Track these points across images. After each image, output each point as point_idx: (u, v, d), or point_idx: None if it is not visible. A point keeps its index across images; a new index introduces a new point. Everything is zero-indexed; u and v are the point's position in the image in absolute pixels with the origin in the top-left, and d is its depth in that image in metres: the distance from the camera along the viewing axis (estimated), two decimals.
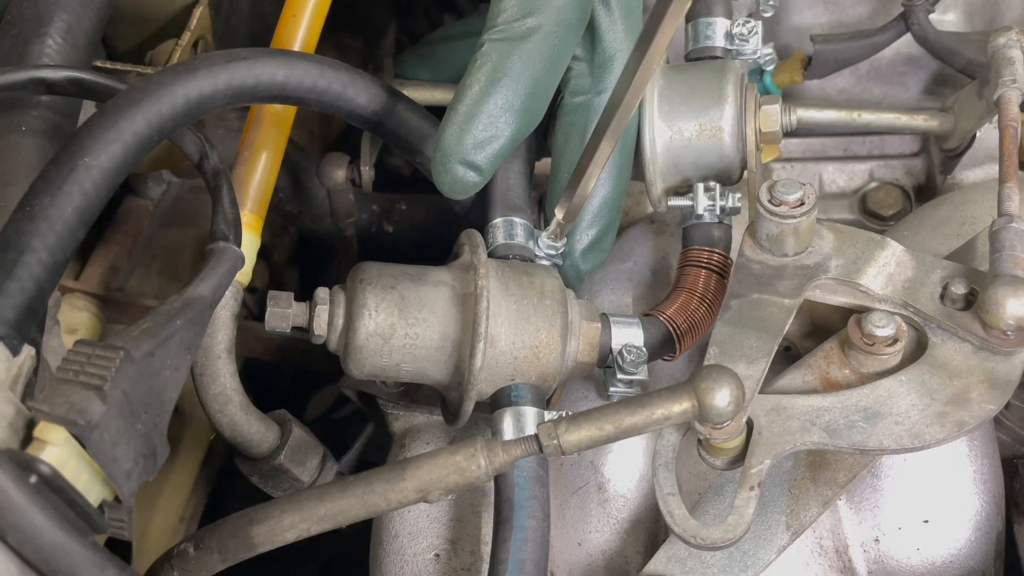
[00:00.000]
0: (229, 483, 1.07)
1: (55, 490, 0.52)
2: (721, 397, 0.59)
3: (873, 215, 0.99)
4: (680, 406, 0.60)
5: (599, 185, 0.76)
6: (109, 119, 0.61)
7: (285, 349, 1.01)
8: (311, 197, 1.02)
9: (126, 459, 0.55)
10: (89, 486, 0.54)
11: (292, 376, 1.18)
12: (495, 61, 0.68)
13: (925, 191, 1.00)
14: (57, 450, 0.52)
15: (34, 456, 0.51)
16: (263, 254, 1.09)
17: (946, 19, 0.97)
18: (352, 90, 0.71)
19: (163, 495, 1.01)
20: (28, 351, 0.58)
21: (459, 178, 0.70)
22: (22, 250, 0.58)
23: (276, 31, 0.82)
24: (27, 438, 0.53)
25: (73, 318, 0.93)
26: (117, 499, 0.56)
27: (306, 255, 1.18)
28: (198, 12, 0.86)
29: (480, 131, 0.68)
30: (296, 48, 0.81)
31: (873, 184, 1.01)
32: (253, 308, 1.07)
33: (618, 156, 0.76)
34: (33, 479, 0.51)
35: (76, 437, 0.52)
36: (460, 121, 0.68)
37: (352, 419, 1.17)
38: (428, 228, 1.04)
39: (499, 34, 0.69)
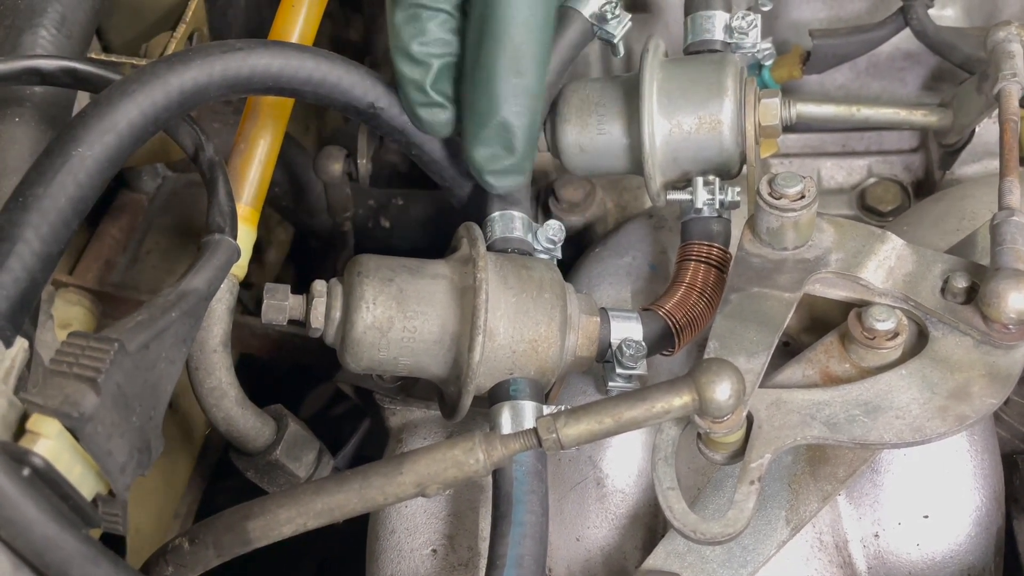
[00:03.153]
0: (222, 481, 1.07)
1: (48, 483, 0.51)
2: (722, 390, 0.59)
3: (871, 211, 0.99)
4: (680, 399, 0.59)
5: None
6: (103, 109, 0.60)
7: (280, 345, 1.01)
8: (307, 191, 1.02)
9: (120, 452, 0.55)
10: (83, 479, 0.53)
11: (288, 373, 1.18)
12: None
13: (924, 187, 0.99)
14: (50, 443, 0.51)
15: (27, 449, 0.50)
16: (259, 250, 1.09)
17: (945, 14, 0.97)
18: (347, 82, 0.71)
19: (157, 491, 1.00)
20: (21, 343, 0.58)
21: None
22: (15, 240, 0.57)
23: (274, 22, 0.81)
24: (20, 431, 0.52)
25: (67, 312, 0.93)
26: (111, 493, 0.55)
27: (303, 251, 1.17)
28: (193, 4, 0.86)
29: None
30: (293, 40, 0.80)
31: (872, 180, 1.01)
32: (249, 304, 1.06)
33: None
34: (26, 472, 0.50)
35: (70, 430, 0.52)
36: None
37: (348, 416, 1.17)
38: (425, 223, 1.04)
39: None
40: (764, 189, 0.70)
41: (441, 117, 0.73)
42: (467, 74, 0.72)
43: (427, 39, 0.71)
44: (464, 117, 0.73)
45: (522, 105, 0.71)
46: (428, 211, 1.03)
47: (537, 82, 0.71)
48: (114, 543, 0.87)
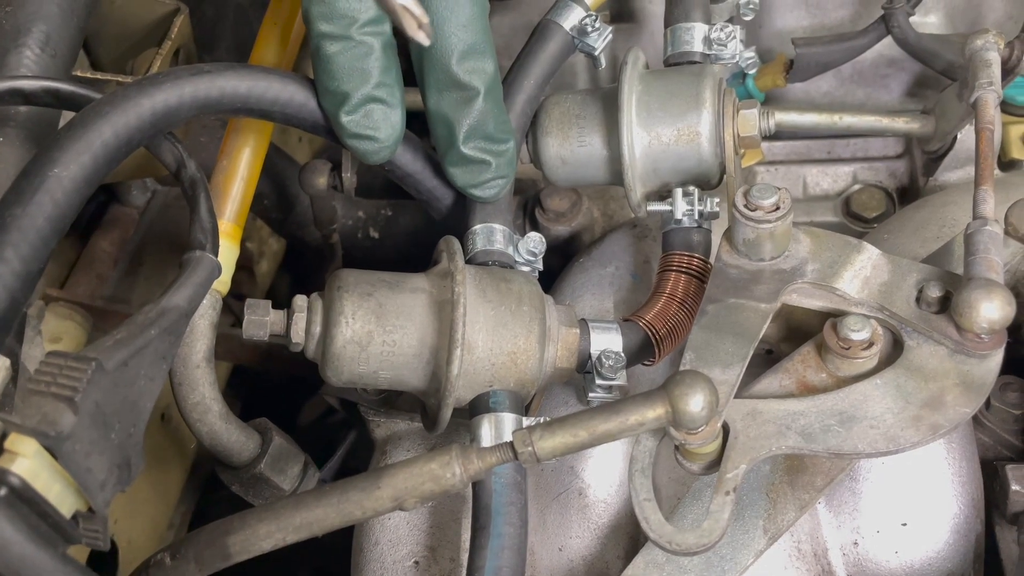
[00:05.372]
0: (217, 491, 1.07)
1: (26, 502, 0.52)
2: (695, 403, 0.59)
3: (856, 217, 1.00)
4: (654, 412, 0.60)
5: None
6: (77, 131, 0.61)
7: (270, 355, 1.01)
8: (295, 204, 1.03)
9: (99, 470, 0.55)
10: (62, 497, 0.54)
11: (284, 383, 1.19)
12: None
13: (908, 193, 1.00)
14: (28, 462, 0.52)
15: (4, 468, 0.51)
16: (251, 261, 1.10)
17: (928, 21, 0.98)
18: (313, 103, 0.71)
19: (150, 503, 1.01)
20: (3, 362, 0.59)
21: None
22: None
23: (257, 38, 0.82)
24: None
25: (57, 327, 0.94)
26: (91, 510, 0.56)
27: (298, 261, 1.18)
28: (179, 21, 0.87)
29: None
30: (275, 54, 0.81)
31: (856, 186, 1.01)
32: (241, 316, 1.07)
33: None
34: (3, 491, 0.51)
35: (47, 448, 0.52)
36: None
37: (344, 425, 1.18)
38: (413, 233, 1.04)
39: None
40: (739, 201, 0.70)
41: (367, 147, 0.72)
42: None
43: (336, 71, 0.69)
44: (432, 139, 0.74)
45: (477, 127, 0.72)
46: (416, 221, 1.04)
47: (486, 94, 0.72)
48: (106, 555, 0.88)
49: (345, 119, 0.70)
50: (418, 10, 0.60)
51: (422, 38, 0.61)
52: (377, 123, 0.71)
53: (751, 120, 0.79)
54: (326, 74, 0.69)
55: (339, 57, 0.69)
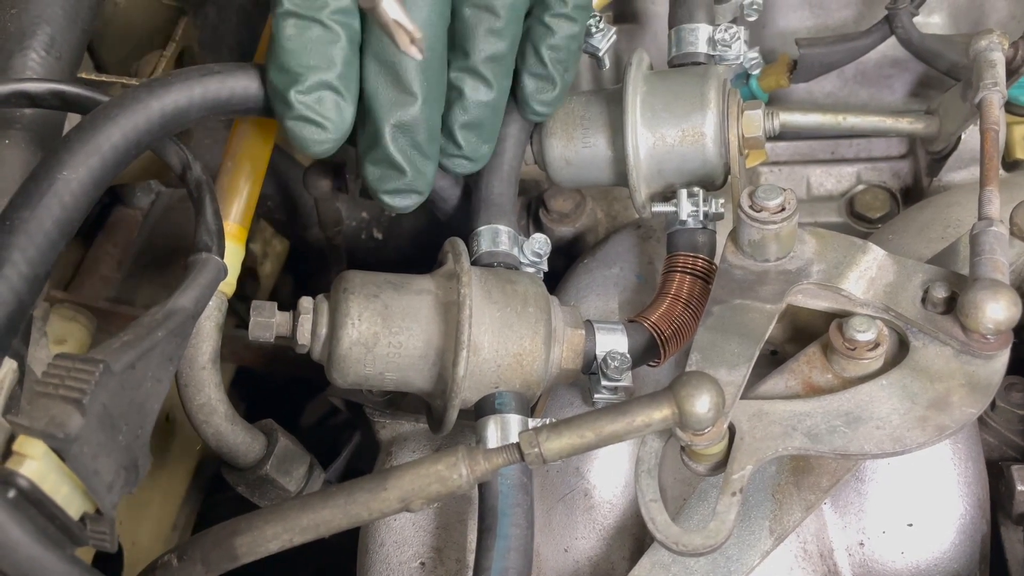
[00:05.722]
0: (223, 492, 1.08)
1: (34, 504, 0.52)
2: (701, 404, 0.59)
3: (860, 218, 0.99)
4: (660, 413, 0.60)
5: None
6: (86, 133, 0.61)
7: (275, 356, 1.02)
8: (299, 206, 1.03)
9: (107, 472, 0.55)
10: (69, 499, 0.54)
11: (288, 383, 1.19)
12: None
13: (912, 193, 1.00)
14: (36, 464, 0.52)
15: (12, 470, 0.51)
16: (255, 262, 1.10)
17: (931, 21, 0.97)
18: None
19: (155, 504, 1.01)
20: (10, 364, 0.59)
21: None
22: (2, 263, 0.58)
23: (263, 38, 0.82)
24: (7, 452, 0.53)
25: (62, 329, 0.94)
26: (99, 511, 0.56)
27: (302, 261, 1.18)
28: (183, 23, 0.87)
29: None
30: None
31: (860, 187, 1.01)
32: (245, 317, 1.07)
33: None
34: (11, 493, 0.51)
35: (55, 451, 0.53)
36: None
37: (348, 426, 1.18)
38: (417, 235, 1.05)
39: None
40: (745, 202, 0.70)
41: (312, 134, 0.66)
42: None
43: (297, 50, 0.65)
44: (357, 133, 0.70)
45: (406, 131, 0.68)
46: (420, 222, 1.04)
47: (424, 102, 0.68)
48: (111, 556, 0.88)
49: (295, 97, 0.65)
50: (411, 24, 0.57)
51: (414, 52, 0.58)
52: (328, 112, 0.66)
53: (756, 121, 0.79)
54: (284, 51, 0.65)
55: (303, 37, 0.64)
